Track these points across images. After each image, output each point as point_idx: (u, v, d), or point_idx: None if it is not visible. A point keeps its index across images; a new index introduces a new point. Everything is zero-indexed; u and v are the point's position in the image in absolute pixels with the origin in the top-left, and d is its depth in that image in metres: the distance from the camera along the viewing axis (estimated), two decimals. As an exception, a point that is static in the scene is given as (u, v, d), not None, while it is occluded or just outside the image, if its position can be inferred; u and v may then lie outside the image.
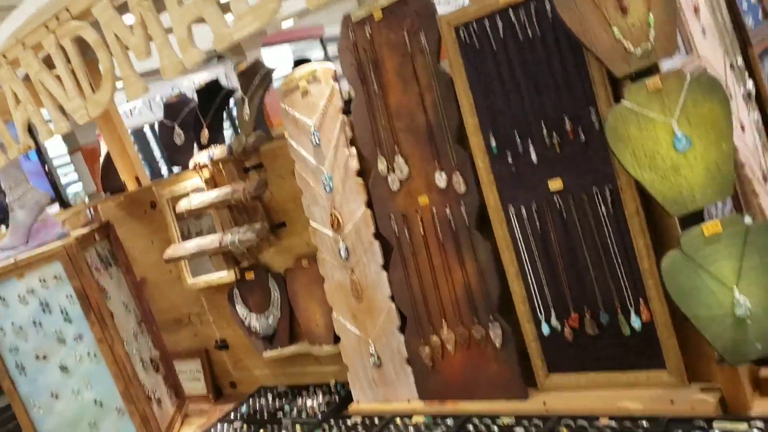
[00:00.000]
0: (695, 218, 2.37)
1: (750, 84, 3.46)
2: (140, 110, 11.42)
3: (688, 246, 2.29)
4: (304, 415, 3.55)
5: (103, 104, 2.97)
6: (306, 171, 3.33)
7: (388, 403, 3.28)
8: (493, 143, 2.75)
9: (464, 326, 2.98)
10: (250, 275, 3.80)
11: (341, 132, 3.18)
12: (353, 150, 3.17)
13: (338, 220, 3.25)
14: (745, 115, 3.20)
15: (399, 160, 3.02)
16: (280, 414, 3.66)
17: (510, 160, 2.73)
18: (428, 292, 3.06)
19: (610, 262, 2.61)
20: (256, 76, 3.70)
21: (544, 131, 2.63)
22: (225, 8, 2.53)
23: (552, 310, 2.77)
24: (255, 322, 3.83)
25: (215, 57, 8.61)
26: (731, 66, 3.32)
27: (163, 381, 4.11)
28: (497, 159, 2.76)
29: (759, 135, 3.39)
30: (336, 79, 3.21)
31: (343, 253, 3.25)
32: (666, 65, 2.64)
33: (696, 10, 2.89)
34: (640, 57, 2.30)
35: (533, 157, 2.67)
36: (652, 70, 2.34)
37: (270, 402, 3.88)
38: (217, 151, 3.55)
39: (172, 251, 3.65)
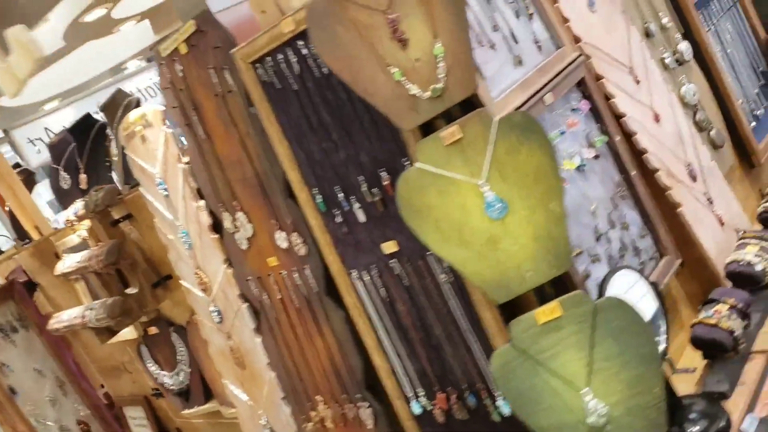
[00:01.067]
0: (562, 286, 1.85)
1: (683, 46, 2.79)
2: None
3: (521, 338, 1.77)
4: (221, 482, 3.22)
5: None
6: (164, 225, 2.91)
7: (291, 478, 2.89)
8: (320, 199, 2.24)
9: (338, 403, 2.54)
10: (152, 330, 3.44)
11: (185, 182, 2.73)
12: (202, 203, 2.72)
13: (203, 280, 2.82)
14: (663, 96, 2.57)
15: (240, 216, 2.55)
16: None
17: (340, 218, 2.22)
18: (299, 362, 2.63)
19: (464, 337, 2.10)
20: (118, 109, 3.26)
21: (364, 186, 2.11)
22: None
23: (419, 388, 2.29)
24: (167, 379, 3.49)
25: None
26: (647, 33, 2.67)
27: (98, 440, 3.85)
28: (328, 217, 2.26)
29: (698, 111, 2.75)
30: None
31: (216, 317, 2.84)
32: (505, 76, 2.07)
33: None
34: (431, 101, 1.75)
35: (359, 216, 2.16)
36: (451, 115, 1.78)
37: (201, 458, 3.57)
38: (80, 205, 3.16)
39: (52, 322, 3.32)
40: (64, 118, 5.57)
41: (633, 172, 2.32)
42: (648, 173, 2.41)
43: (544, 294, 1.86)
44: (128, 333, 3.51)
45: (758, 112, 3.11)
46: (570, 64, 2.23)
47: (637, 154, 2.40)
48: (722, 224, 2.52)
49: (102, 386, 4.35)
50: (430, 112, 1.75)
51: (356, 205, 2.16)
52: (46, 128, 5.78)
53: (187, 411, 3.50)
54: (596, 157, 2.24)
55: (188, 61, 2.47)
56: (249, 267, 2.63)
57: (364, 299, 2.29)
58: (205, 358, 3.29)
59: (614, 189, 2.28)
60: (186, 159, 2.71)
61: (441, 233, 1.77)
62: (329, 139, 2.13)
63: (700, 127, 2.77)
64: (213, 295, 2.82)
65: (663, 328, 1.99)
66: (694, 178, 2.51)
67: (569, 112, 2.20)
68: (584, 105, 2.25)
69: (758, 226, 2.63)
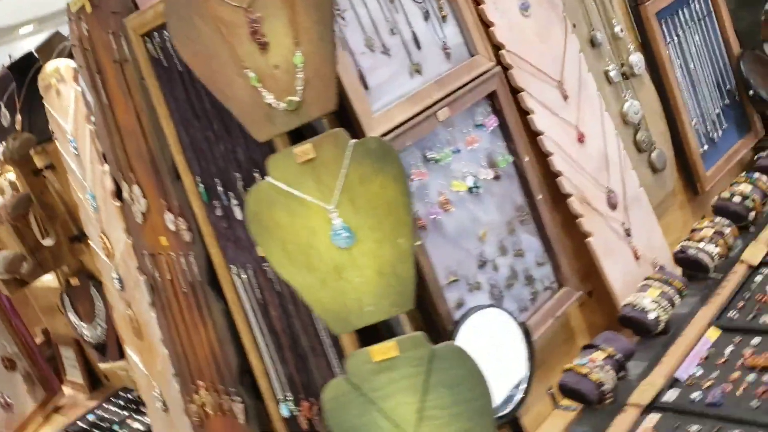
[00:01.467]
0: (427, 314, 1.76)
1: (635, 58, 2.62)
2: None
3: (356, 373, 1.67)
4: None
5: None
6: (76, 183, 2.82)
7: (180, 452, 2.86)
8: (202, 189, 2.13)
9: (216, 392, 2.48)
10: (74, 281, 3.39)
11: (93, 144, 2.62)
12: (107, 167, 2.62)
13: (107, 245, 2.74)
14: (594, 114, 2.41)
15: (136, 189, 2.45)
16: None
17: (220, 212, 2.11)
18: (186, 345, 2.55)
19: (326, 351, 2.01)
20: (52, 53, 3.13)
21: (240, 183, 1.99)
22: None
23: (288, 392, 2.22)
24: (86, 331, 3.45)
25: None
26: (592, 42, 2.50)
27: (23, 378, 3.84)
28: (210, 208, 2.15)
29: (639, 130, 2.59)
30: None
31: (117, 284, 2.77)
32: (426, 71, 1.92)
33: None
34: (286, 114, 1.62)
35: (237, 212, 2.05)
36: (311, 130, 1.66)
37: (116, 411, 3.57)
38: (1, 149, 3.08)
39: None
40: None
41: (539, 197, 2.18)
42: (561, 198, 2.27)
43: (399, 322, 1.77)
44: (53, 282, 3.46)
45: (715, 135, 2.92)
46: (481, 74, 2.08)
47: (551, 176, 2.26)
48: (637, 258, 2.38)
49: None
50: (286, 125, 1.63)
51: (234, 201, 2.04)
52: (10, 55, 5.61)
53: (102, 364, 3.48)
54: (497, 177, 2.10)
55: (92, 22, 2.33)
56: (144, 241, 2.54)
57: (242, 297, 2.20)
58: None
59: (513, 213, 2.14)
60: (93, 120, 2.60)
61: (286, 254, 1.66)
62: (211, 129, 2.01)
63: (640, 147, 2.61)
64: (115, 261, 2.74)
65: (527, 374, 1.87)
66: (613, 206, 2.37)
67: (471, 129, 2.05)
68: (491, 121, 2.10)
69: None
